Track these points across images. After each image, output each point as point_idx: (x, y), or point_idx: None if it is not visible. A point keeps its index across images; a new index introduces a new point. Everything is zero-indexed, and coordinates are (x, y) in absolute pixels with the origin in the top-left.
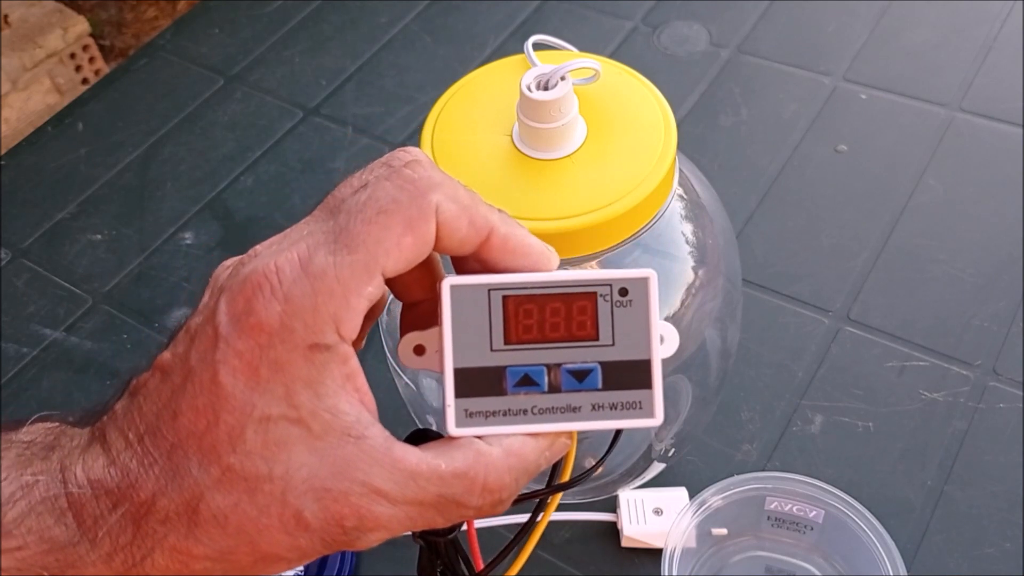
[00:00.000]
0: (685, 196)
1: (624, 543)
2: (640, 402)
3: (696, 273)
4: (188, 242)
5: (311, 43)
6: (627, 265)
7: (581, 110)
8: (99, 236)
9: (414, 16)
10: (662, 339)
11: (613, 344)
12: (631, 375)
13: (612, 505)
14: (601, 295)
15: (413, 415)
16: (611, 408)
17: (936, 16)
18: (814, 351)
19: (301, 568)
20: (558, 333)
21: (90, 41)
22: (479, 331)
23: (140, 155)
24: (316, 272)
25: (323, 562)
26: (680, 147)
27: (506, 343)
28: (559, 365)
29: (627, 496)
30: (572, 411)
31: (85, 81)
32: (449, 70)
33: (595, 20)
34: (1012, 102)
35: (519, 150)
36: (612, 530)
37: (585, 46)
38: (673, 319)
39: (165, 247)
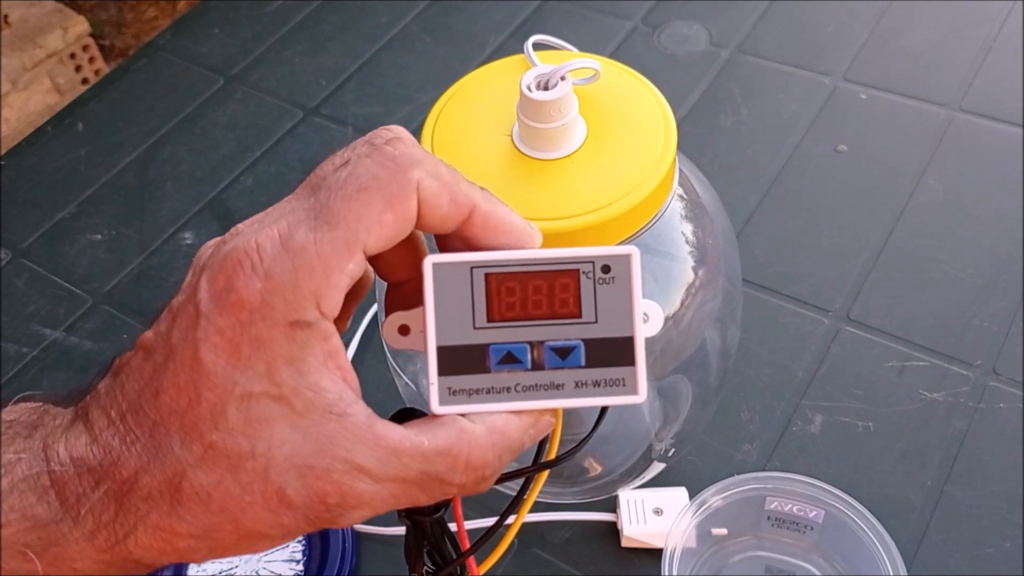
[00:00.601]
0: (685, 196)
1: (624, 543)
2: (623, 379)
3: (696, 273)
4: (188, 242)
5: (311, 43)
6: None
7: (581, 110)
8: (99, 236)
9: (414, 16)
10: (647, 317)
11: (596, 321)
12: (614, 352)
13: (612, 505)
14: (583, 272)
15: None
16: (594, 385)
17: (936, 16)
18: (814, 351)
19: (301, 568)
20: (541, 310)
21: (90, 41)
22: (462, 309)
23: (140, 155)
24: (296, 249)
25: (323, 562)
26: (680, 147)
27: (489, 321)
28: (542, 342)
29: (627, 496)
30: (555, 388)
31: (85, 81)
32: (449, 70)
33: (595, 20)
34: (1012, 102)
35: (519, 150)
36: (612, 530)
37: (585, 46)
38: (673, 319)
39: (165, 247)
